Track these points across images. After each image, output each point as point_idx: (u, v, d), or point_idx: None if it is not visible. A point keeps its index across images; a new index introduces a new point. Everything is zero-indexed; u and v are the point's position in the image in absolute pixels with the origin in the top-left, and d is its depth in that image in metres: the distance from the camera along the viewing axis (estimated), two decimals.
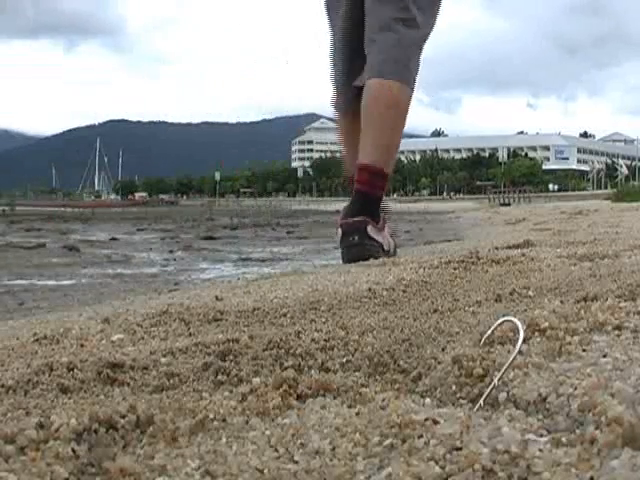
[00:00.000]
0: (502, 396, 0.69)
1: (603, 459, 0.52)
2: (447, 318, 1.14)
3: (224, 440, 0.63)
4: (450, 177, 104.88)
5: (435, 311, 1.22)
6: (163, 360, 0.93)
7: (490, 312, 1.15)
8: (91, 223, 16.49)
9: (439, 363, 0.82)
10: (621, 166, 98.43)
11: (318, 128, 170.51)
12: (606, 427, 0.56)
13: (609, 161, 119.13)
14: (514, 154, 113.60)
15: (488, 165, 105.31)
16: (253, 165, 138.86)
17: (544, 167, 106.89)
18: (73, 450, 0.60)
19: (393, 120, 2.79)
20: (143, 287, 3.51)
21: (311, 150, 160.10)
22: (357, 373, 0.86)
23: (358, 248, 2.62)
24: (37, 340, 1.16)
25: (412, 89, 2.82)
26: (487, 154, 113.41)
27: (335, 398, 0.75)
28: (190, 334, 1.15)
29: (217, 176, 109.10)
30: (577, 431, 0.58)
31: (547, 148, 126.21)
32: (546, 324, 0.87)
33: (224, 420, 0.68)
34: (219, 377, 0.85)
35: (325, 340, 0.97)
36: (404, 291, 1.48)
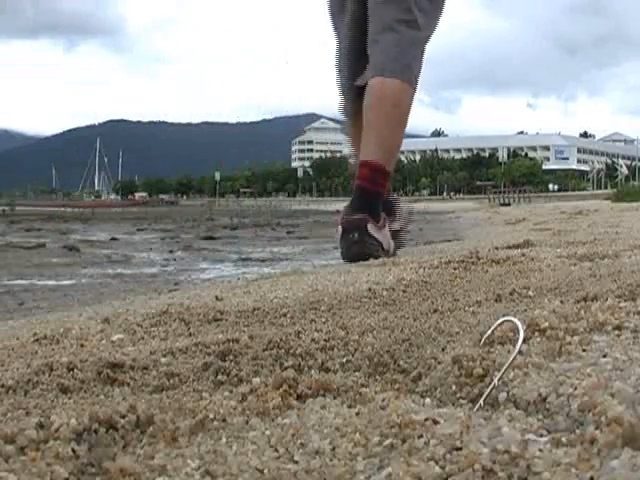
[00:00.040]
0: (502, 396, 0.69)
1: (603, 459, 0.52)
2: (447, 318, 1.14)
3: (224, 440, 0.63)
4: (450, 177, 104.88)
5: (435, 311, 1.22)
6: (163, 360, 0.93)
7: (490, 312, 1.15)
8: (91, 223, 16.49)
9: (439, 363, 0.82)
10: (621, 166, 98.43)
11: (318, 128, 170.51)
12: (606, 427, 0.56)
13: (609, 161, 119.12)
14: (514, 154, 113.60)
15: (488, 165, 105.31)
16: (253, 165, 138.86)
17: (544, 167, 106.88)
18: (73, 450, 0.60)
19: (395, 118, 2.80)
20: (143, 287, 3.51)
21: (311, 150, 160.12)
22: (357, 373, 0.86)
23: (358, 246, 2.62)
24: (37, 340, 1.16)
25: (414, 88, 2.84)
26: (487, 154, 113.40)
27: (335, 398, 0.75)
28: (190, 334, 1.15)
29: (217, 176, 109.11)
30: (577, 431, 0.58)
31: (547, 148, 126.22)
32: (546, 324, 0.87)
33: (224, 420, 0.68)
34: (219, 377, 0.85)
35: (325, 340, 0.97)
36: (404, 291, 1.48)
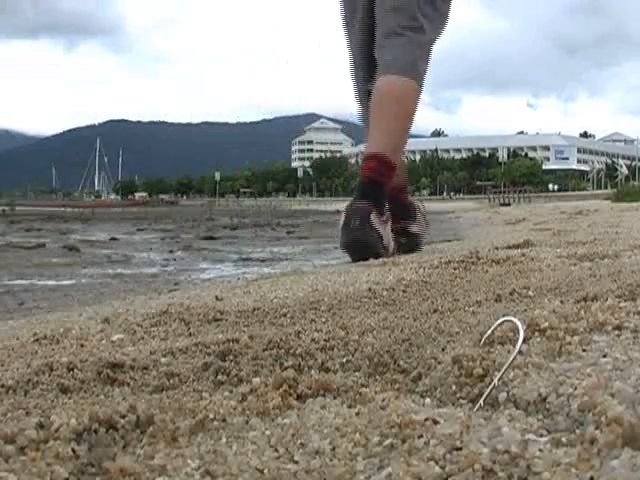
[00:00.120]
0: (502, 396, 0.69)
1: (603, 459, 0.52)
2: (447, 318, 1.14)
3: (224, 440, 0.63)
4: (450, 177, 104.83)
5: (435, 311, 1.22)
6: (163, 360, 0.93)
7: (490, 312, 1.15)
8: (91, 223, 16.49)
9: (439, 363, 0.82)
10: (621, 166, 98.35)
11: (318, 128, 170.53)
12: (606, 427, 0.56)
13: (609, 161, 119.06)
14: (514, 154, 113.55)
15: (488, 165, 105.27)
16: (253, 165, 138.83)
17: (544, 167, 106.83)
18: (73, 450, 0.60)
19: (401, 113, 2.86)
20: (143, 287, 3.51)
21: (311, 150, 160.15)
22: (357, 373, 0.86)
23: (357, 233, 2.61)
24: (37, 340, 1.16)
25: (420, 86, 2.90)
26: (487, 154, 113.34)
27: (335, 398, 0.75)
28: (190, 334, 1.15)
29: (217, 176, 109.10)
30: (577, 431, 0.58)
31: (547, 148, 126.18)
32: (546, 324, 0.87)
33: (224, 420, 0.68)
34: (219, 377, 0.85)
35: (325, 340, 0.97)
36: (404, 291, 1.48)
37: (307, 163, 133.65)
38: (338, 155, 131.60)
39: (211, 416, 0.68)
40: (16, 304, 3.01)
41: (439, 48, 3.02)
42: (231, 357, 0.92)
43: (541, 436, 0.58)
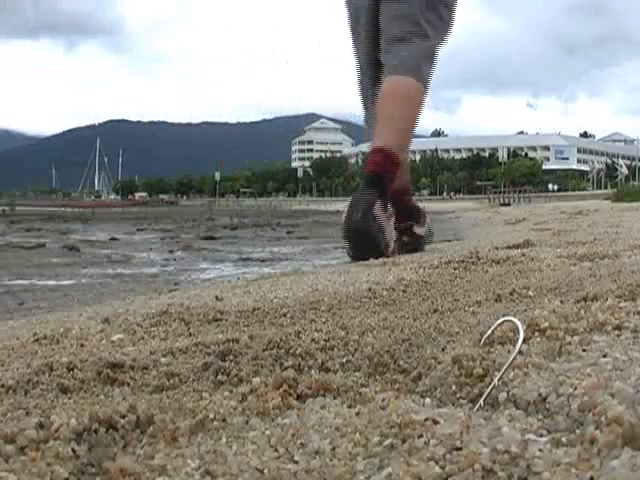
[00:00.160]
0: (502, 396, 0.69)
1: (603, 459, 0.52)
2: (447, 318, 1.14)
3: (224, 440, 0.63)
4: (450, 177, 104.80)
5: (435, 311, 1.22)
6: (163, 360, 0.93)
7: (490, 312, 1.15)
8: (91, 223, 16.48)
9: (439, 363, 0.82)
10: (621, 166, 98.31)
11: (318, 128, 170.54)
12: (606, 427, 0.56)
13: (609, 161, 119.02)
14: (514, 154, 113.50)
15: (488, 165, 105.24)
16: (253, 165, 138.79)
17: (544, 167, 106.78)
18: (73, 450, 0.60)
19: (406, 110, 2.92)
20: (143, 287, 3.51)
21: (311, 150, 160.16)
22: (357, 373, 0.86)
23: (359, 223, 2.63)
24: (37, 340, 1.17)
25: (425, 87, 2.97)
26: (487, 154, 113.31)
27: (335, 398, 0.75)
28: (190, 334, 1.15)
29: (217, 176, 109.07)
30: (577, 431, 0.58)
31: (547, 148, 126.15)
32: (546, 324, 0.87)
33: (224, 420, 0.68)
34: (219, 377, 0.85)
35: (325, 340, 0.97)
36: (404, 291, 1.48)
37: (307, 163, 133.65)
38: (338, 155, 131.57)
39: (211, 416, 0.68)
40: (16, 304, 3.01)
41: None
42: (231, 357, 0.92)
43: (541, 436, 0.58)
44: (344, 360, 0.90)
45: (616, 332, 0.84)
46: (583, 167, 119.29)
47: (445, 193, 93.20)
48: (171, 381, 0.85)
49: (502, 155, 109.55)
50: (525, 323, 0.86)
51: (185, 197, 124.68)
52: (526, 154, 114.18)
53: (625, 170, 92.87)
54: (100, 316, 1.39)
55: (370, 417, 0.64)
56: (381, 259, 2.37)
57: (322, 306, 1.34)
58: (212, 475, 0.56)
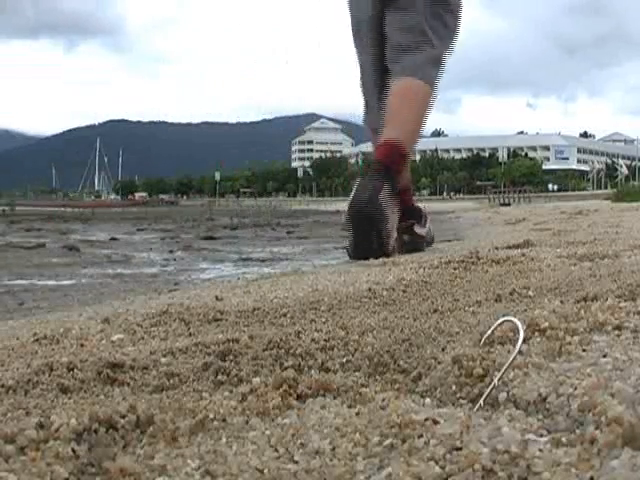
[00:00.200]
0: (502, 396, 0.69)
1: (603, 459, 0.52)
2: (447, 318, 1.14)
3: (224, 440, 0.63)
4: (450, 177, 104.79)
5: (435, 311, 1.22)
6: (163, 360, 0.93)
7: (490, 312, 1.15)
8: (91, 223, 16.48)
9: (439, 363, 0.82)
10: (621, 166, 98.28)
11: (318, 128, 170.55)
12: (606, 427, 0.56)
13: (609, 161, 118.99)
14: (514, 154, 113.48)
15: (488, 165, 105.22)
16: (253, 165, 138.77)
17: (544, 167, 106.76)
18: (73, 450, 0.60)
19: (415, 107, 2.95)
20: (143, 287, 3.50)
21: (311, 150, 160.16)
22: (357, 373, 0.86)
23: (363, 208, 2.61)
24: (37, 340, 1.17)
25: (432, 90, 3.00)
26: (487, 154, 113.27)
27: (335, 398, 0.75)
28: (190, 334, 1.15)
29: (217, 176, 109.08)
30: (577, 431, 0.58)
31: (547, 148, 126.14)
32: (546, 324, 0.87)
33: (224, 420, 0.68)
34: (219, 377, 0.85)
35: (325, 340, 0.97)
36: (404, 291, 1.48)
37: (307, 163, 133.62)
38: (338, 155, 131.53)
39: (211, 416, 0.68)
40: (16, 304, 3.01)
41: None
42: (231, 357, 0.92)
43: (541, 436, 0.58)
44: (344, 360, 0.90)
45: (616, 332, 0.84)
46: (583, 167, 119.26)
47: (445, 193, 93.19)
48: (171, 381, 0.85)
49: (502, 155, 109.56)
50: (525, 323, 0.86)
51: (185, 197, 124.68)
52: (526, 154, 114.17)
53: (625, 170, 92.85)
54: (100, 316, 1.39)
55: (370, 417, 0.64)
56: (381, 259, 2.37)
57: (322, 306, 1.34)
58: (212, 475, 0.56)
